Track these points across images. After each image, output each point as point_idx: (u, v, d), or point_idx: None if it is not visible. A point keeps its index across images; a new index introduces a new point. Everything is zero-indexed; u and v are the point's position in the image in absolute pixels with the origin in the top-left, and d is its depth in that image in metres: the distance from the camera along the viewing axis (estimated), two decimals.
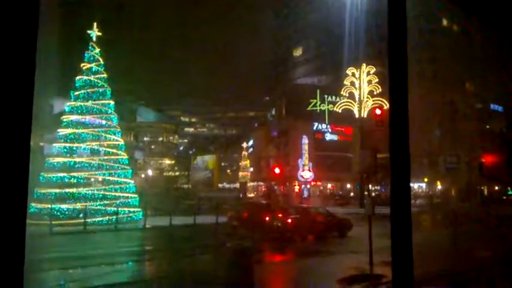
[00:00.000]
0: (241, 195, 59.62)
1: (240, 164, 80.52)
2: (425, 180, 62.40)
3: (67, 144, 25.29)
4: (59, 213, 22.67)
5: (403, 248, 2.64)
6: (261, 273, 12.69)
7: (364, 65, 54.90)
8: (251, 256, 14.93)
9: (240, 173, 79.20)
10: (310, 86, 76.38)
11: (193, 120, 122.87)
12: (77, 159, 24.94)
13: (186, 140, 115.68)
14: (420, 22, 59.41)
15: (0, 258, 1.58)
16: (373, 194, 40.43)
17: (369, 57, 56.86)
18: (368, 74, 54.50)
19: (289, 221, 20.67)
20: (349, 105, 55.39)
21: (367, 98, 54.18)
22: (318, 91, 71.32)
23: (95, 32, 27.36)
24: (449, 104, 63.22)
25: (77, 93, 26.48)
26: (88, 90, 26.49)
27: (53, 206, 22.69)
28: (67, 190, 23.76)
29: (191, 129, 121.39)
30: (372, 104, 51.21)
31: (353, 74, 55.12)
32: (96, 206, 23.96)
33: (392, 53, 3.20)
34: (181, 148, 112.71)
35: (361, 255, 13.10)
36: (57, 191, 23.67)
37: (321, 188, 65.76)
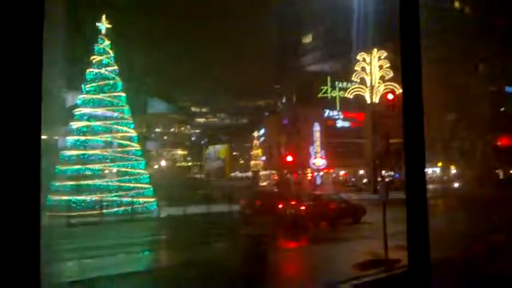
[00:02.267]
0: (253, 184, 59.79)
1: (252, 153, 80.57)
2: (439, 164, 61.80)
3: (80, 137, 25.57)
4: (75, 205, 23.04)
5: (419, 233, 2.62)
6: (276, 259, 12.77)
7: (375, 49, 54.22)
8: (266, 243, 15.02)
9: (252, 162, 79.29)
10: (320, 73, 75.77)
11: (204, 110, 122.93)
12: (91, 152, 25.22)
13: (197, 130, 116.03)
14: (431, 3, 58.30)
15: (16, 249, 1.60)
16: (387, 179, 40.22)
17: (380, 41, 56.08)
18: (379, 58, 53.87)
19: (303, 208, 20.72)
20: (360, 91, 54.92)
21: (379, 83, 53.64)
22: (329, 78, 70.73)
23: (104, 25, 27.44)
24: (463, 87, 62.22)
25: (88, 86, 26.69)
26: (99, 83, 26.67)
27: (70, 198, 23.05)
28: (82, 182, 24.10)
29: (202, 120, 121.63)
30: (384, 89, 50.74)
31: (364, 59, 54.53)
32: (112, 197, 24.30)
33: (404, 36, 3.14)
34: (193, 138, 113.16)
35: (376, 241, 13.07)
36: (73, 183, 24.00)
37: (334, 175, 65.57)
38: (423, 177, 2.86)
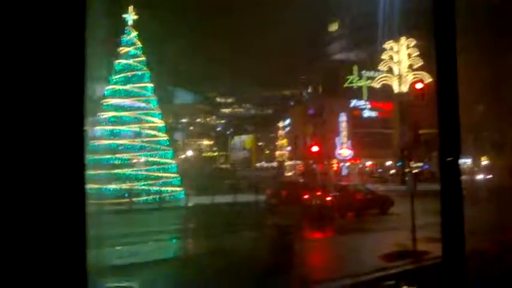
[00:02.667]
0: (278, 174, 59.83)
1: (277, 143, 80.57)
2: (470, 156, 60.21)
3: (109, 127, 26.13)
4: (105, 194, 23.62)
5: (453, 224, 2.59)
6: (302, 249, 12.79)
7: (404, 38, 53.06)
8: (292, 233, 15.05)
9: (277, 152, 79.32)
10: (346, 62, 74.78)
11: (230, 100, 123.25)
12: (120, 142, 25.77)
13: (223, 121, 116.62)
14: None
15: (65, 235, 1.68)
16: (415, 170, 39.56)
17: (409, 29, 54.80)
18: (407, 47, 52.71)
19: (329, 198, 20.64)
20: (387, 80, 53.96)
21: (407, 72, 52.55)
22: (355, 67, 69.74)
23: (131, 16, 27.77)
24: (494, 76, 60.19)
25: (116, 77, 27.16)
26: (127, 74, 27.12)
27: (100, 186, 23.64)
28: (112, 171, 24.68)
29: (228, 110, 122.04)
30: (413, 78, 49.72)
31: (391, 48, 53.47)
32: (140, 186, 24.84)
33: (438, 23, 3.07)
34: (218, 129, 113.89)
35: (403, 232, 12.88)
36: (103, 172, 24.59)
37: (360, 165, 64.90)
38: (458, 168, 2.82)
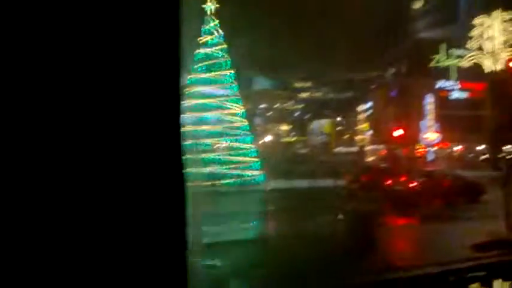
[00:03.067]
0: (359, 159, 58.40)
1: (357, 127, 78.59)
2: None
3: (193, 114, 27.35)
4: (190, 177, 24.94)
5: None
6: (383, 236, 12.54)
7: (498, 11, 48.60)
8: (373, 219, 14.77)
9: (358, 137, 77.39)
10: (432, 40, 70.17)
11: (308, 85, 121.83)
12: (203, 128, 26.94)
13: (301, 106, 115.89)
14: None
15: (167, 216, 1.86)
16: (510, 156, 36.46)
17: (504, 1, 50.06)
18: (502, 21, 48.24)
19: (413, 184, 19.87)
20: (478, 59, 49.98)
21: (501, 48, 48.21)
22: (442, 45, 65.30)
23: (211, 5, 28.48)
24: None
25: (198, 65, 28.21)
26: (208, 62, 28.04)
27: (185, 170, 24.97)
28: (196, 156, 25.94)
29: (306, 94, 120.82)
30: (508, 55, 45.59)
31: (483, 23, 49.29)
32: (222, 169, 25.86)
33: None
34: (297, 114, 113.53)
35: (496, 221, 12.09)
36: (188, 156, 25.89)
37: (448, 150, 61.18)
38: None
